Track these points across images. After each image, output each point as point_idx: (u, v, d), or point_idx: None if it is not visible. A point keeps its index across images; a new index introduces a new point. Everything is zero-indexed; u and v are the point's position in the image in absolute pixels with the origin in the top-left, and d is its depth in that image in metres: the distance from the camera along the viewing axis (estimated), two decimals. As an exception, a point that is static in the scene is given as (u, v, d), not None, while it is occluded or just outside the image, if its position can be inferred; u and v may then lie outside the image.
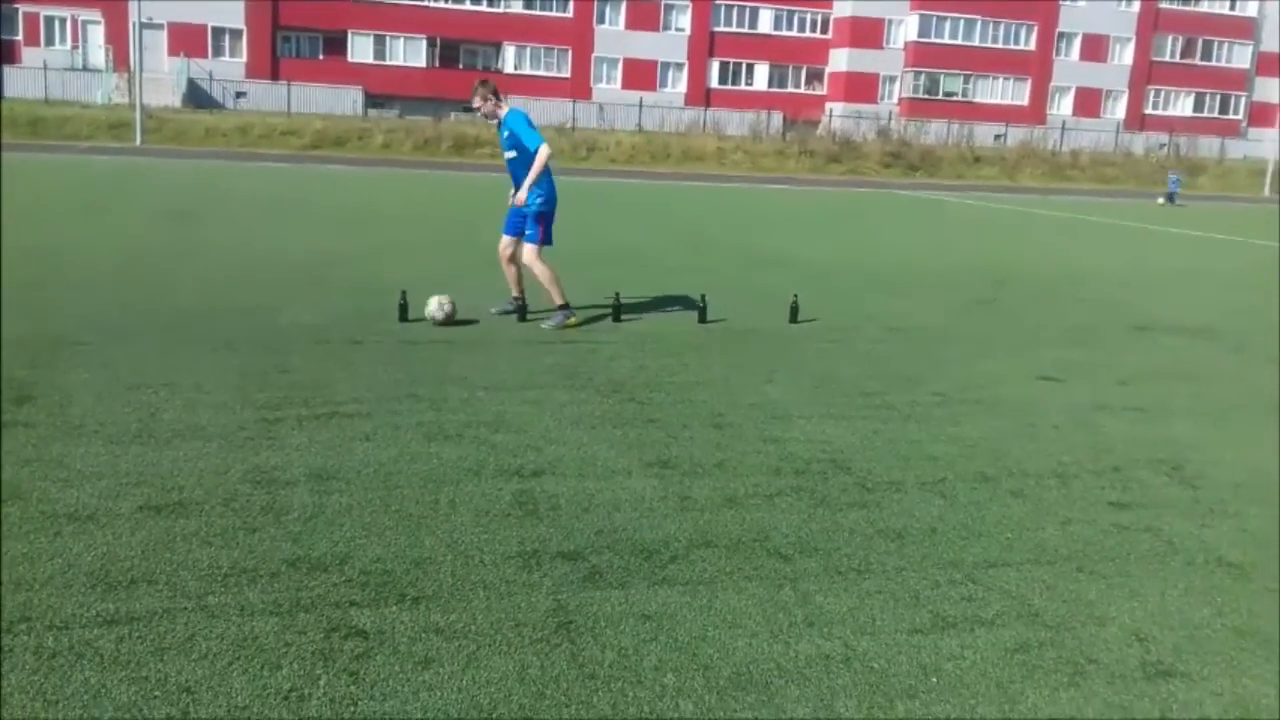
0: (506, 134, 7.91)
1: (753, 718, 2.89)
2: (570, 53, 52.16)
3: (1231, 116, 62.11)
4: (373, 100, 47.78)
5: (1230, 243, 20.11)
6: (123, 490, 4.26)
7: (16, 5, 43.80)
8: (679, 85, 54.38)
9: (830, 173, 40.29)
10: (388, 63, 48.94)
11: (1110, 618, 3.61)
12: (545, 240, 8.13)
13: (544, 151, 7.77)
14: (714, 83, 54.96)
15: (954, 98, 57.55)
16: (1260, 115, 62.01)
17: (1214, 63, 61.28)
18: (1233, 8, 60.71)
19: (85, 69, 43.93)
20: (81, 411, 5.28)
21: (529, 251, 8.05)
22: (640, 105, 48.27)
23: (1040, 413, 6.30)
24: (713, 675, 3.09)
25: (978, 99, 57.94)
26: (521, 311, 8.39)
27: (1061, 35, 58.69)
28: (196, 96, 44.36)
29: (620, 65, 53.02)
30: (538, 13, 51.31)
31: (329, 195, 19.58)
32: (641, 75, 53.15)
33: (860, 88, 56.05)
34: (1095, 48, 59.25)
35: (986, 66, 57.56)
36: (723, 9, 54.46)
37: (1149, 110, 60.91)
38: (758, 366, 7.15)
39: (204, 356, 6.57)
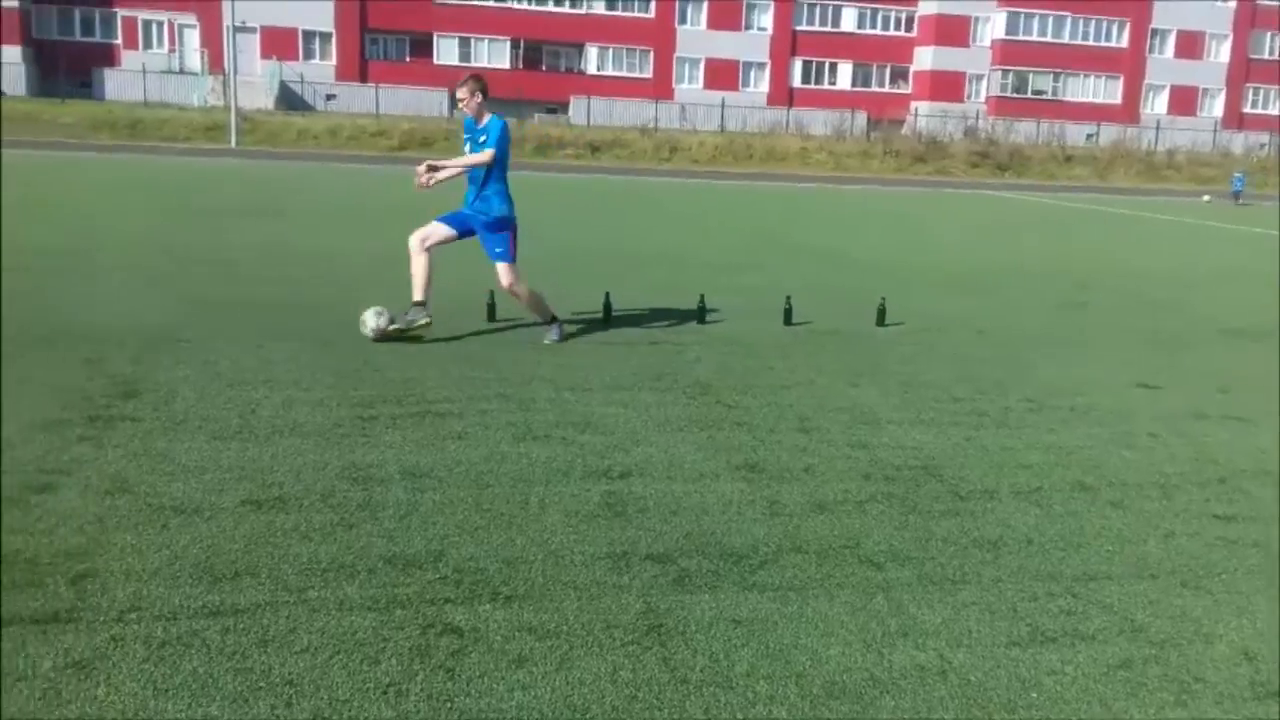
0: (482, 138, 7.32)
1: (847, 727, 2.86)
2: (652, 53, 52.23)
3: (1336, 114, 59.84)
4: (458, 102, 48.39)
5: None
6: (225, 484, 4.38)
7: (115, 9, 45.27)
8: (761, 85, 54.11)
9: (916, 173, 39.75)
10: (472, 64, 49.54)
11: (1217, 635, 3.50)
12: (514, 257, 7.42)
13: (487, 156, 7.17)
14: (796, 82, 54.58)
15: (1043, 96, 56.34)
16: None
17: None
18: (1338, 2, 58.46)
19: (182, 72, 45.29)
20: (185, 407, 5.45)
21: (505, 272, 7.37)
22: (722, 105, 48.17)
23: (1137, 420, 6.13)
24: (806, 684, 3.07)
25: (1068, 97, 56.66)
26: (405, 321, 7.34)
27: (1155, 32, 57.09)
28: (288, 98, 45.44)
29: (702, 65, 52.93)
30: (620, 13, 51.49)
31: (417, 196, 19.89)
32: (724, 75, 52.99)
33: (946, 86, 55.18)
34: (1190, 45, 57.51)
35: (1077, 64, 56.25)
36: (805, 7, 54.06)
37: (1248, 109, 58.93)
38: (844, 370, 7.08)
39: (301, 353, 6.72)
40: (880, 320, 8.68)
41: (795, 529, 4.21)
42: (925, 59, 55.49)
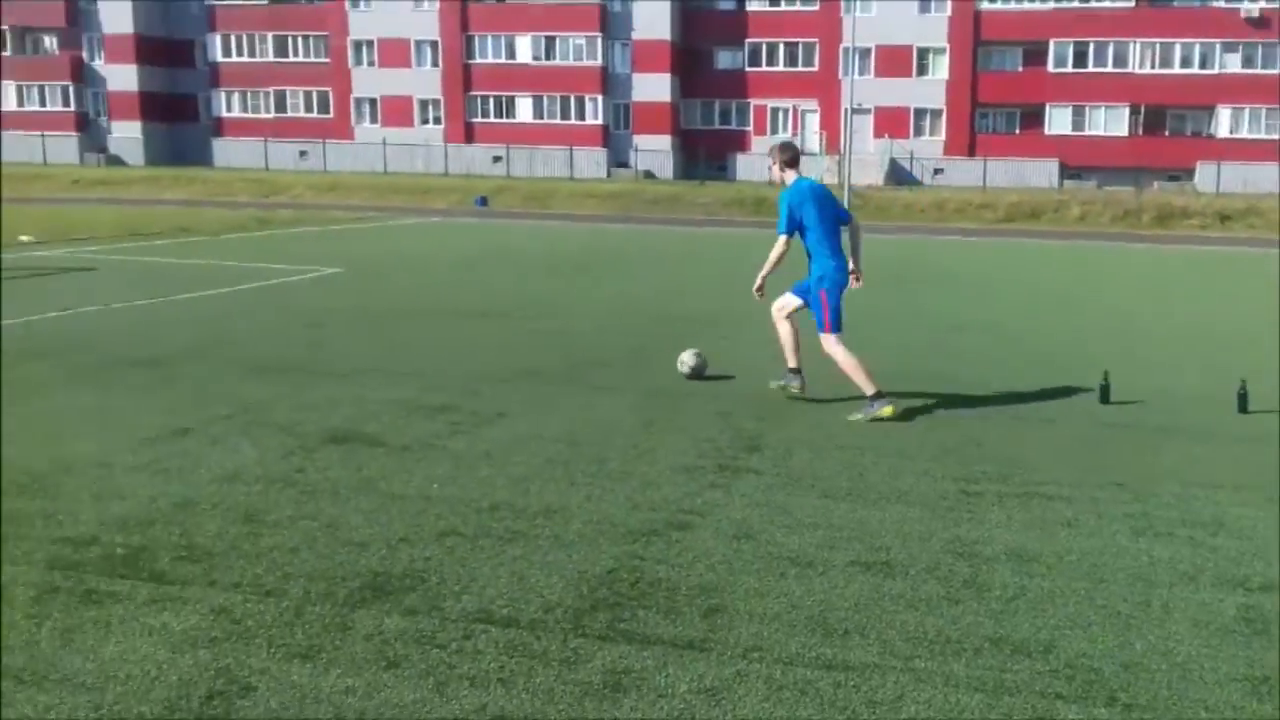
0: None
1: None
2: None
3: None
4: (1069, 172, 46.61)
5: None
6: (836, 543, 4.61)
7: (749, 99, 50.28)
8: None
9: None
10: (1086, 133, 47.39)
11: None
12: (834, 327, 7.05)
13: (778, 246, 7.07)
14: None
15: None
16: None
17: None
18: None
19: (803, 153, 48.79)
20: (800, 464, 5.84)
21: (823, 340, 7.12)
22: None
23: None
24: None
25: None
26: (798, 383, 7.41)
27: None
28: (897, 174, 46.97)
29: None
30: (1258, 71, 45.99)
31: (1026, 270, 19.43)
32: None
33: None
34: None
35: None
36: None
37: None
38: None
39: (906, 425, 6.87)
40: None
41: None
42: None
